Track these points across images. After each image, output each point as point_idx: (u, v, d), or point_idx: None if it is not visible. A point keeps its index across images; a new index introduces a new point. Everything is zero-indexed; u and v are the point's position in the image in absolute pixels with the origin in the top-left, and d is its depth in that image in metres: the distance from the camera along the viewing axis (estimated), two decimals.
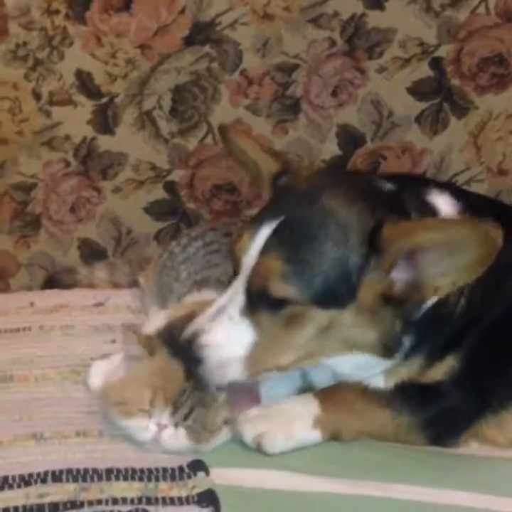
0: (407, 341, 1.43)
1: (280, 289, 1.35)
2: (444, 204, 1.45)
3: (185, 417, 1.41)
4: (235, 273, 1.42)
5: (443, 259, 1.33)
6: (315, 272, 1.35)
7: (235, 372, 1.40)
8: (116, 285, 2.07)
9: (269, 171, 1.51)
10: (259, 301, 1.38)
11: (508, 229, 1.31)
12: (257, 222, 1.40)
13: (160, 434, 1.42)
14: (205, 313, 1.41)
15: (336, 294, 1.36)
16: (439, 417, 1.51)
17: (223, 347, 1.39)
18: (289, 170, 1.49)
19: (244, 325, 1.39)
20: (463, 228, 1.32)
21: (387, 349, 1.42)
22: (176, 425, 1.42)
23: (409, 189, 1.44)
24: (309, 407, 1.48)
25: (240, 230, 1.45)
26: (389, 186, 1.44)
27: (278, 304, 1.37)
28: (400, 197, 1.42)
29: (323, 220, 1.35)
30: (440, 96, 2.20)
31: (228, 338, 1.39)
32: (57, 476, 1.38)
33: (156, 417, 1.41)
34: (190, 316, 1.51)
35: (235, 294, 1.39)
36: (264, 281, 1.36)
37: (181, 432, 1.42)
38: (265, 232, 1.37)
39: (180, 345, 1.42)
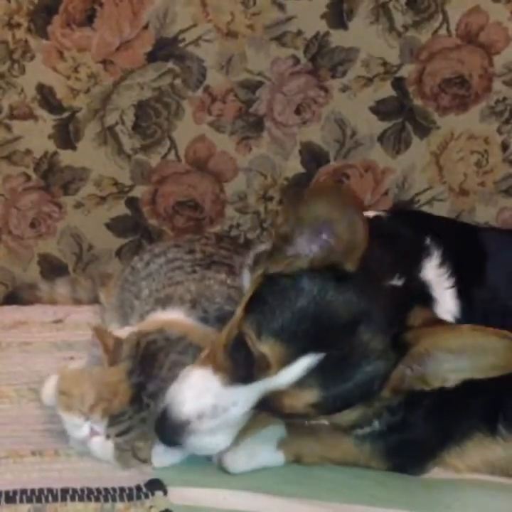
0: (377, 423, 1.46)
1: (306, 412, 1.35)
2: (444, 298, 1.44)
3: (119, 434, 1.42)
4: (245, 372, 1.35)
5: (463, 359, 1.33)
6: (345, 402, 1.36)
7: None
8: (77, 301, 2.06)
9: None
10: (270, 409, 1.36)
11: None
12: (291, 343, 1.31)
13: (90, 439, 1.44)
14: (196, 402, 1.37)
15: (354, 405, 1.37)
16: (402, 447, 1.52)
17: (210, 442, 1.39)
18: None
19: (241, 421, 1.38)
20: (493, 339, 1.31)
21: (354, 426, 1.44)
22: (108, 437, 1.43)
23: (413, 281, 1.41)
24: (274, 429, 1.48)
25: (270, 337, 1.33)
26: (399, 283, 1.39)
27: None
28: (409, 293, 1.39)
29: (361, 358, 1.33)
30: (403, 116, 2.21)
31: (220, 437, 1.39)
32: (10, 497, 1.36)
33: (92, 422, 1.43)
34: (159, 331, 1.51)
35: (244, 399, 1.35)
36: (294, 408, 1.34)
37: (110, 445, 1.43)
38: (304, 362, 1.32)
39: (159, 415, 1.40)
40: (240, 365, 1.35)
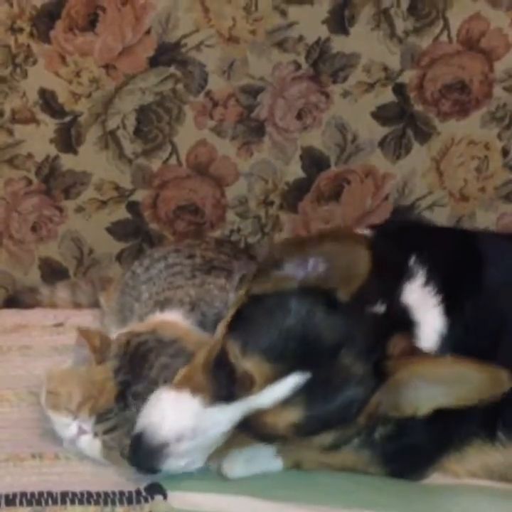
0: (356, 440, 1.46)
1: (286, 433, 1.35)
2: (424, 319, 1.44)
3: (106, 432, 1.43)
4: (227, 391, 1.34)
5: (439, 389, 1.33)
6: (325, 425, 1.36)
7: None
8: (78, 305, 2.06)
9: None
10: (250, 429, 1.36)
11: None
12: (278, 361, 1.31)
13: (79, 437, 1.45)
14: (175, 425, 1.35)
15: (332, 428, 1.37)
16: (401, 453, 1.52)
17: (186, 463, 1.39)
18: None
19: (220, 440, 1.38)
20: (473, 370, 1.31)
21: (332, 447, 1.44)
22: (96, 435, 1.43)
23: (394, 307, 1.41)
24: None
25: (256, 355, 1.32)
26: (382, 310, 1.39)
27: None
28: (389, 320, 1.39)
29: (342, 381, 1.34)
30: (403, 121, 2.22)
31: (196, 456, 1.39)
32: (10, 500, 1.36)
33: (80, 420, 1.44)
34: (151, 332, 1.51)
35: (226, 419, 1.34)
36: (275, 427, 1.34)
37: (98, 443, 1.44)
38: (291, 381, 1.31)
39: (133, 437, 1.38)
40: (222, 384, 1.34)
